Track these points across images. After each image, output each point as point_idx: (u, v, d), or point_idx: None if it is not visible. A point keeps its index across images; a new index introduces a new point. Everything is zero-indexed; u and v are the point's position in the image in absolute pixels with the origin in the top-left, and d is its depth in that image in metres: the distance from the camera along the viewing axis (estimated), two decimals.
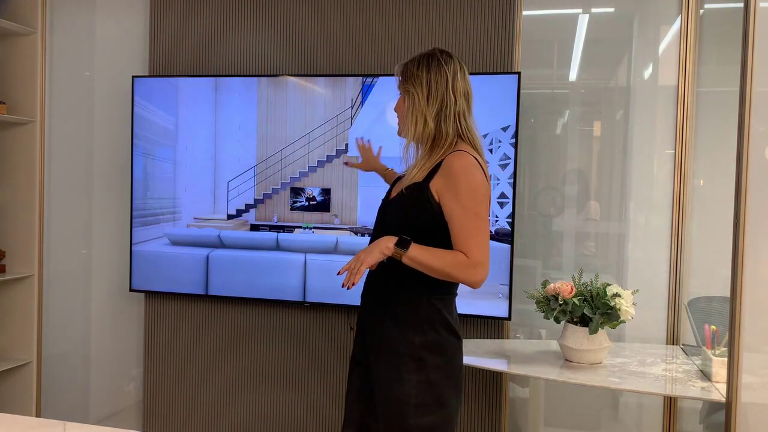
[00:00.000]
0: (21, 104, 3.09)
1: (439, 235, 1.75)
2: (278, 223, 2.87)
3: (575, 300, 2.27)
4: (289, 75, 2.89)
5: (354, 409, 1.92)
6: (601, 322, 2.25)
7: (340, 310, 2.89)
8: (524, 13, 2.75)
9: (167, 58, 3.06)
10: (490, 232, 2.02)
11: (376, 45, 2.83)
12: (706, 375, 2.20)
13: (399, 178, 1.96)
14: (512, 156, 2.60)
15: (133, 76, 3.00)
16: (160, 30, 3.06)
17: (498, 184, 2.62)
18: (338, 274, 1.75)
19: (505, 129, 2.61)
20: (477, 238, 1.71)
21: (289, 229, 2.86)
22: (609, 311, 2.25)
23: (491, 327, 2.74)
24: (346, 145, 2.78)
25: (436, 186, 1.74)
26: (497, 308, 2.62)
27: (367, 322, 1.89)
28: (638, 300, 2.36)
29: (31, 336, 3.12)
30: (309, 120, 2.82)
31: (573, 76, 2.84)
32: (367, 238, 2.76)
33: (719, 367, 2.13)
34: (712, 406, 2.50)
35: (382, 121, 2.74)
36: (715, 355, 2.18)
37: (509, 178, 2.61)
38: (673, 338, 2.68)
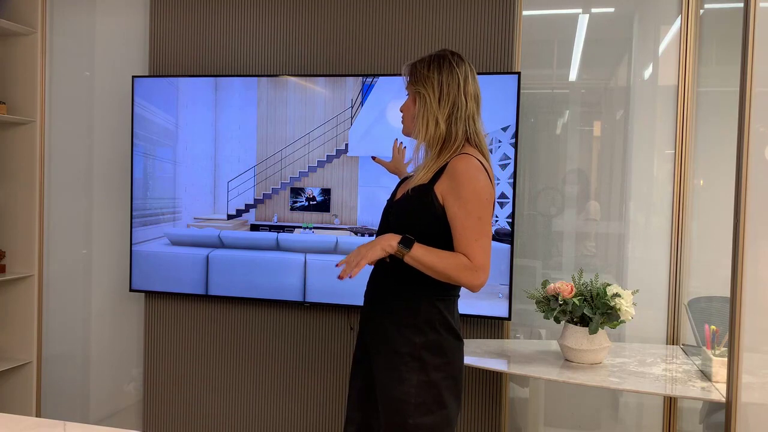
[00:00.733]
0: (21, 104, 3.09)
1: (443, 238, 1.76)
2: (278, 223, 2.87)
3: (575, 300, 2.27)
4: (289, 75, 2.89)
5: (356, 409, 1.93)
6: (601, 322, 2.25)
7: (340, 310, 2.89)
8: (524, 13, 2.75)
9: (167, 58, 3.06)
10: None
11: (376, 45, 2.83)
12: (706, 375, 2.20)
13: (405, 179, 1.96)
14: (512, 156, 2.60)
15: (133, 76, 3.00)
16: (160, 30, 3.06)
17: (498, 184, 2.62)
18: (336, 266, 1.75)
19: (505, 129, 2.61)
20: (479, 242, 1.71)
21: (289, 229, 2.86)
22: (609, 311, 2.26)
23: (491, 327, 2.75)
24: (346, 145, 2.79)
25: (440, 188, 1.75)
26: (497, 308, 2.62)
27: (368, 322, 1.89)
28: (638, 300, 2.36)
29: (31, 336, 3.12)
30: (309, 120, 2.82)
31: (573, 76, 2.84)
32: (367, 239, 2.76)
33: (719, 367, 2.13)
34: (712, 406, 2.50)
35: (382, 121, 2.74)
36: (715, 355, 2.18)
37: (509, 178, 2.61)
38: (673, 338, 2.68)
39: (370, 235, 2.77)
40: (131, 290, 3.04)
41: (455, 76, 1.79)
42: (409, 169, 2.09)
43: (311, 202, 2.84)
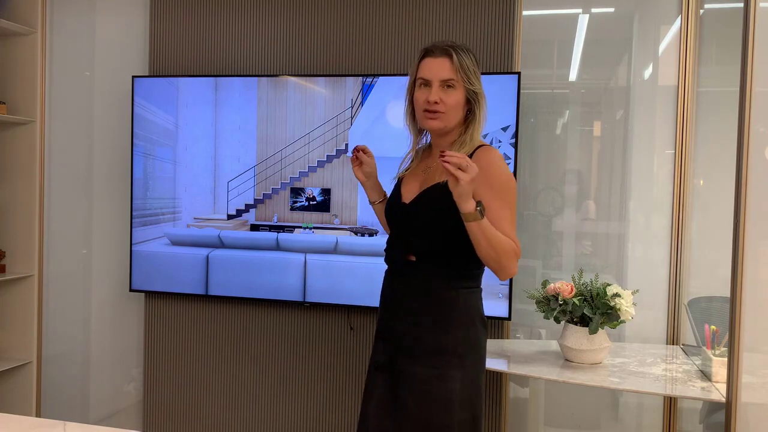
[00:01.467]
0: (21, 104, 3.09)
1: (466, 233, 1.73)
2: (278, 223, 2.87)
3: (575, 300, 2.27)
4: (289, 75, 2.89)
5: (379, 417, 1.82)
6: (601, 322, 2.25)
7: (340, 310, 2.89)
8: (524, 13, 2.75)
9: (167, 58, 3.06)
10: None
11: (376, 45, 2.83)
12: (706, 375, 2.20)
13: (399, 182, 1.90)
14: (512, 156, 2.60)
15: (133, 76, 3.00)
16: (160, 30, 3.06)
17: None
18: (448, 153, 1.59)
19: (505, 129, 2.61)
20: (512, 230, 1.72)
21: (289, 229, 2.86)
22: (609, 311, 2.26)
23: (491, 327, 2.74)
24: (346, 145, 2.79)
25: None
26: (497, 308, 2.62)
27: (397, 325, 1.81)
28: (638, 300, 2.36)
29: (31, 336, 3.12)
30: (309, 120, 2.82)
31: (573, 76, 2.84)
32: (367, 239, 2.77)
33: (719, 367, 2.13)
34: (712, 406, 2.50)
35: (382, 121, 2.74)
36: (715, 355, 2.18)
37: None
38: (673, 338, 2.68)
39: (371, 235, 2.77)
40: (131, 290, 3.04)
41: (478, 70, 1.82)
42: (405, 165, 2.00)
43: (311, 202, 2.84)
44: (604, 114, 2.84)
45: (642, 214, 2.78)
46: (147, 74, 3.09)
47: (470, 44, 2.72)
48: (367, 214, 2.77)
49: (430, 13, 2.77)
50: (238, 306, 3.02)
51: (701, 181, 2.70)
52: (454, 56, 1.75)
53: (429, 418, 1.73)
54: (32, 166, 3.09)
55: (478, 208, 1.63)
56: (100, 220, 3.26)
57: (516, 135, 2.59)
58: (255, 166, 2.89)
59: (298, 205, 2.85)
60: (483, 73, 2.65)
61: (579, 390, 2.73)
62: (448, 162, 1.56)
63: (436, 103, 1.75)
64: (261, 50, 2.97)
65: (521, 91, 2.59)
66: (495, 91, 2.59)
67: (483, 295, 1.85)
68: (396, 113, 2.71)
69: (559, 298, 2.31)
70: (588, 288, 2.33)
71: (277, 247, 2.87)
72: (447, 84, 1.75)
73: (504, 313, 2.63)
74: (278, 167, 2.87)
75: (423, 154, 1.92)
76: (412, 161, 1.92)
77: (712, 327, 2.24)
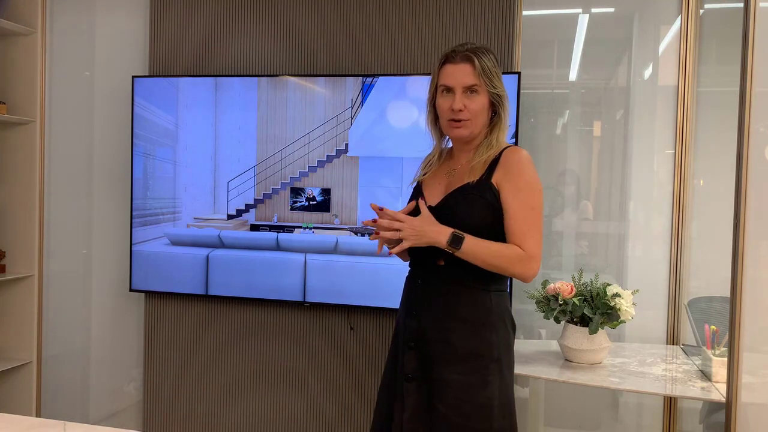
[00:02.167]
0: (21, 104, 3.09)
1: (498, 231, 1.74)
2: (278, 223, 2.87)
3: (575, 300, 2.27)
4: (289, 75, 2.89)
5: (414, 429, 1.77)
6: (601, 322, 2.25)
7: (340, 310, 2.89)
8: (524, 13, 2.74)
9: (167, 58, 3.06)
10: None
11: (376, 45, 2.83)
12: (706, 375, 2.20)
13: (418, 187, 1.88)
14: None
15: (133, 76, 3.00)
16: (160, 30, 3.06)
17: None
18: (375, 219, 1.71)
19: None
20: (531, 232, 1.70)
21: (289, 229, 2.86)
22: (609, 311, 2.25)
23: None
24: (346, 145, 2.79)
25: (497, 179, 1.74)
26: None
27: (428, 332, 1.77)
28: (638, 300, 2.36)
29: (31, 336, 3.12)
30: (309, 120, 2.82)
31: (573, 76, 2.84)
32: (367, 239, 2.76)
33: (719, 367, 2.13)
34: (712, 406, 2.50)
35: (382, 121, 2.74)
36: (715, 355, 2.18)
37: None
38: (673, 338, 2.68)
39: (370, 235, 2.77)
40: (131, 290, 3.04)
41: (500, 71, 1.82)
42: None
43: (311, 202, 2.84)
44: (604, 114, 2.84)
45: (642, 214, 2.78)
46: (147, 74, 3.09)
47: None
48: (367, 214, 2.77)
49: (430, 13, 2.77)
50: (238, 306, 3.02)
51: (701, 181, 2.70)
52: (476, 61, 1.74)
53: (468, 427, 1.70)
54: (32, 166, 3.09)
55: (450, 245, 1.66)
56: (100, 220, 3.25)
57: (516, 135, 2.59)
58: (255, 166, 2.89)
59: (298, 205, 2.85)
60: None
61: (579, 390, 2.73)
62: (380, 237, 1.66)
63: (460, 110, 1.74)
64: (261, 50, 2.97)
65: (521, 91, 2.59)
66: None
67: None
68: (396, 113, 2.71)
69: (559, 298, 2.31)
70: (588, 288, 2.33)
71: (277, 247, 2.87)
72: (470, 90, 1.75)
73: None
74: (278, 167, 2.87)
75: (445, 156, 1.90)
76: (431, 164, 1.90)
77: (712, 327, 2.24)
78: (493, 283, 1.76)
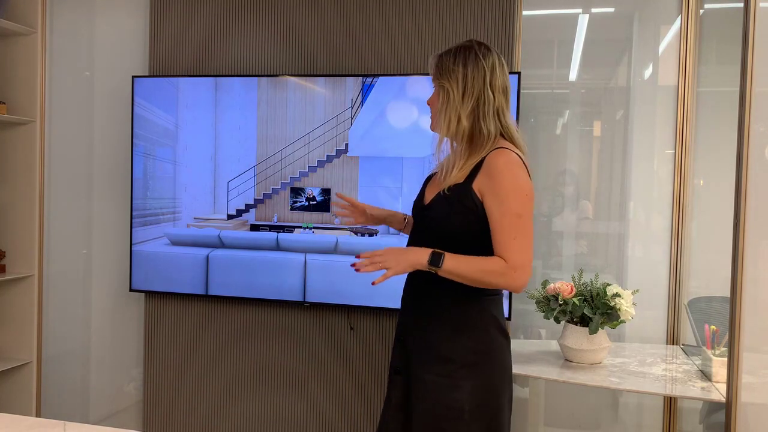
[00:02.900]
0: (21, 104, 3.08)
1: (487, 238, 1.69)
2: (278, 223, 2.87)
3: (575, 300, 2.27)
4: (289, 75, 2.89)
5: (394, 420, 1.82)
6: (601, 322, 2.25)
7: (340, 310, 2.89)
8: (524, 13, 2.74)
9: (167, 58, 3.06)
10: None
11: (376, 45, 2.83)
12: (706, 375, 2.20)
13: (428, 180, 1.88)
14: None
15: (133, 76, 3.00)
16: (160, 30, 3.06)
17: None
18: (357, 256, 1.68)
19: None
20: (517, 241, 1.63)
21: (289, 229, 2.86)
22: (609, 311, 2.26)
23: None
24: (346, 145, 2.79)
25: (478, 185, 1.67)
26: None
27: (410, 329, 1.80)
28: (638, 300, 2.36)
29: (31, 336, 3.12)
30: (309, 120, 2.82)
31: (573, 76, 2.84)
32: (366, 239, 2.77)
33: (719, 367, 2.13)
34: (712, 406, 2.50)
35: (382, 121, 2.74)
36: (715, 355, 2.18)
37: None
38: (673, 338, 2.68)
39: (371, 235, 2.77)
40: (131, 290, 3.04)
41: (481, 68, 1.70)
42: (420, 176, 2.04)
43: (311, 202, 2.84)
44: (604, 114, 2.84)
45: (642, 214, 2.78)
46: (147, 74, 3.09)
47: None
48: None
49: (430, 13, 2.77)
50: (238, 306, 3.02)
51: (701, 181, 2.70)
52: (437, 58, 1.77)
53: (438, 428, 1.70)
54: (32, 166, 3.09)
55: (429, 264, 1.64)
56: (100, 220, 3.25)
57: None
58: (255, 166, 2.89)
59: (298, 205, 2.85)
60: None
61: (579, 390, 2.73)
62: (362, 269, 1.65)
63: (428, 104, 1.82)
64: (261, 50, 2.97)
65: (521, 91, 2.59)
66: None
67: None
68: (396, 113, 2.71)
69: (559, 298, 2.31)
70: (588, 288, 2.33)
71: (277, 247, 2.87)
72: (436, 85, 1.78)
73: (504, 313, 2.63)
74: (278, 167, 2.87)
75: None
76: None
77: (712, 327, 2.24)
78: (473, 289, 1.71)
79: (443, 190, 1.72)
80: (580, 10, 2.82)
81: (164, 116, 2.97)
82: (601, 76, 2.85)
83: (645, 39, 2.78)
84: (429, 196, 1.81)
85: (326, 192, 2.82)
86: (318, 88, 2.82)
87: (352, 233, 2.79)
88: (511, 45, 2.69)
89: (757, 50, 1.60)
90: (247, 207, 2.91)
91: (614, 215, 2.81)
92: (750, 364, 1.68)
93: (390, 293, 2.63)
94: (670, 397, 2.63)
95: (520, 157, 1.70)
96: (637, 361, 2.37)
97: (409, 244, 1.84)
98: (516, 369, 2.28)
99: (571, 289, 2.31)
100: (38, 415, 3.17)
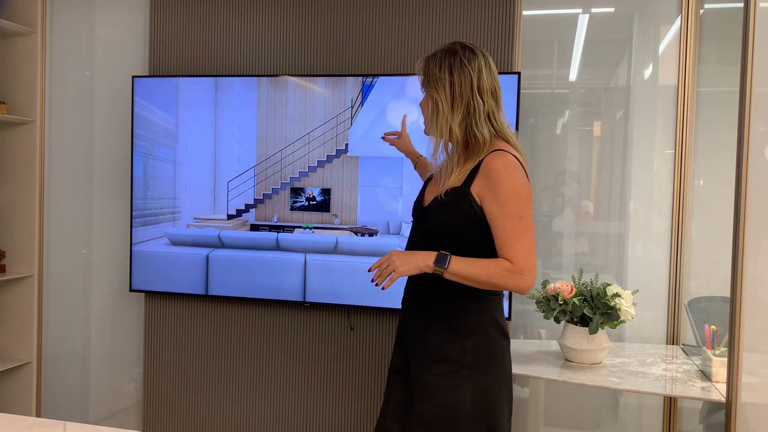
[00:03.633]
0: (21, 104, 3.09)
1: (484, 241, 1.68)
2: (278, 223, 2.87)
3: (575, 300, 2.27)
4: (289, 75, 2.89)
5: (393, 420, 1.82)
6: (601, 322, 2.25)
7: (340, 310, 2.89)
8: (524, 13, 2.75)
9: (167, 58, 3.06)
10: None
11: (376, 45, 2.83)
12: (706, 375, 2.20)
13: (428, 181, 1.89)
14: None
15: (133, 76, 3.00)
16: (160, 30, 3.06)
17: None
18: (369, 270, 1.69)
19: None
20: (521, 243, 1.63)
21: (289, 229, 2.86)
22: (609, 311, 2.26)
23: None
24: (346, 145, 2.78)
25: (477, 189, 1.67)
26: None
27: (410, 329, 1.81)
28: (638, 300, 2.36)
29: (31, 336, 3.12)
30: (309, 120, 2.83)
31: (573, 76, 2.84)
32: (367, 239, 2.77)
33: (719, 367, 2.13)
34: (712, 406, 2.50)
35: (382, 121, 2.74)
36: (715, 355, 2.18)
37: None
38: (673, 338, 2.68)
39: (370, 235, 2.77)
40: (131, 290, 3.04)
41: (467, 74, 1.69)
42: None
43: (311, 202, 2.84)
44: (604, 114, 2.84)
45: (642, 213, 2.78)
46: (147, 74, 3.09)
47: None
48: (367, 214, 2.77)
49: (430, 13, 2.77)
50: (238, 306, 3.02)
51: (701, 181, 2.70)
52: (424, 62, 1.78)
53: (438, 427, 1.71)
54: (32, 166, 3.09)
55: (436, 264, 1.64)
56: (100, 220, 3.26)
57: None
58: (255, 166, 2.89)
59: (298, 205, 2.85)
60: None
61: (579, 390, 2.73)
62: (381, 283, 1.66)
63: (420, 107, 1.84)
64: (261, 50, 2.97)
65: (521, 91, 2.59)
66: None
67: None
68: (396, 114, 2.71)
69: (559, 298, 2.31)
70: (588, 288, 2.33)
71: (277, 247, 2.87)
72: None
73: (504, 314, 2.63)
74: (278, 167, 2.87)
75: None
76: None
77: (712, 327, 2.24)
78: (473, 290, 1.70)
79: (440, 195, 1.72)
80: (580, 10, 2.82)
81: (164, 116, 2.97)
82: (601, 76, 2.85)
83: (645, 39, 2.78)
84: (428, 198, 1.81)
85: (326, 192, 2.82)
86: (318, 88, 2.82)
87: (352, 233, 2.80)
88: (511, 45, 2.69)
89: (757, 50, 1.60)
90: (247, 207, 2.91)
91: (614, 215, 2.81)
92: (750, 364, 1.68)
93: (390, 293, 2.63)
94: (670, 397, 2.63)
95: (516, 157, 1.69)
96: (637, 361, 2.37)
97: (408, 244, 1.85)
98: (516, 369, 2.28)
99: (571, 289, 2.31)
100: (38, 415, 3.17)
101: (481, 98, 1.70)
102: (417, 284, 1.80)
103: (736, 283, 1.65)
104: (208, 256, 2.94)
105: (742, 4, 1.64)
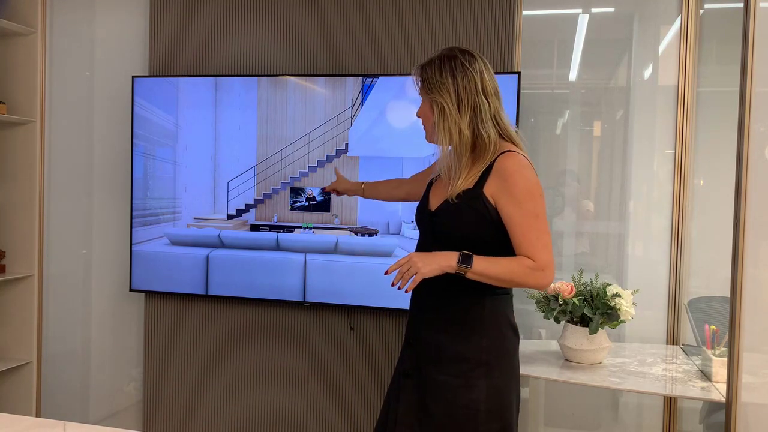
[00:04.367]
0: (21, 104, 3.09)
1: (499, 242, 1.69)
2: (278, 223, 2.87)
3: (575, 300, 2.27)
4: (289, 75, 2.89)
5: (403, 425, 1.79)
6: (601, 322, 2.25)
7: (340, 310, 2.89)
8: (524, 13, 2.75)
9: (167, 58, 3.06)
10: None
11: (376, 45, 2.83)
12: (706, 375, 2.21)
13: (430, 185, 1.88)
14: None
15: (133, 76, 3.00)
16: (160, 30, 3.06)
17: None
18: (386, 273, 1.68)
19: None
20: (541, 240, 1.65)
21: (289, 229, 2.86)
22: (609, 311, 2.26)
23: None
24: (346, 145, 2.79)
25: (490, 190, 1.68)
26: None
27: (422, 332, 1.80)
28: (638, 300, 2.36)
29: (31, 336, 3.12)
30: (309, 120, 2.83)
31: (573, 76, 2.84)
32: (367, 239, 2.77)
33: (719, 367, 2.13)
34: (712, 406, 2.50)
35: (382, 121, 2.74)
36: (715, 355, 2.18)
37: None
38: (673, 338, 2.68)
39: (371, 235, 2.77)
40: (131, 290, 3.04)
41: (470, 77, 1.70)
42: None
43: (311, 202, 2.84)
44: (604, 114, 2.84)
45: (642, 213, 2.78)
46: (147, 74, 3.09)
47: (470, 44, 2.72)
48: (368, 214, 2.77)
49: (430, 13, 2.77)
50: (238, 306, 3.02)
51: (701, 181, 2.70)
52: (420, 70, 1.77)
53: (454, 428, 1.71)
54: (32, 166, 3.09)
55: (460, 264, 1.63)
56: (100, 220, 3.26)
57: None
58: (255, 166, 2.89)
59: (298, 205, 2.85)
60: None
61: (579, 390, 2.73)
62: (403, 286, 1.64)
63: (418, 117, 1.83)
64: (261, 50, 2.97)
65: (521, 91, 2.59)
66: None
67: None
68: (396, 113, 2.71)
69: (559, 298, 2.31)
70: (588, 288, 2.33)
71: (277, 247, 2.87)
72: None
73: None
74: (278, 167, 2.87)
75: None
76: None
77: (712, 327, 2.24)
78: (488, 288, 1.71)
79: (451, 198, 1.72)
80: (580, 10, 2.82)
81: (164, 116, 2.97)
82: (601, 76, 2.85)
83: (645, 39, 2.78)
84: (435, 202, 1.80)
85: (326, 192, 2.82)
86: (318, 88, 2.82)
87: (352, 233, 2.80)
88: (511, 45, 2.69)
89: (757, 50, 1.60)
90: (247, 207, 2.91)
91: (614, 215, 2.81)
92: (750, 364, 1.68)
93: (390, 293, 2.63)
94: (670, 397, 2.63)
95: (526, 157, 1.72)
96: (637, 361, 2.37)
97: (417, 249, 1.84)
98: None
99: (571, 289, 2.31)
100: (38, 415, 3.17)
101: (486, 99, 1.71)
102: (431, 285, 1.77)
103: (736, 283, 1.65)
104: (208, 256, 2.95)
105: (742, 4, 1.64)
